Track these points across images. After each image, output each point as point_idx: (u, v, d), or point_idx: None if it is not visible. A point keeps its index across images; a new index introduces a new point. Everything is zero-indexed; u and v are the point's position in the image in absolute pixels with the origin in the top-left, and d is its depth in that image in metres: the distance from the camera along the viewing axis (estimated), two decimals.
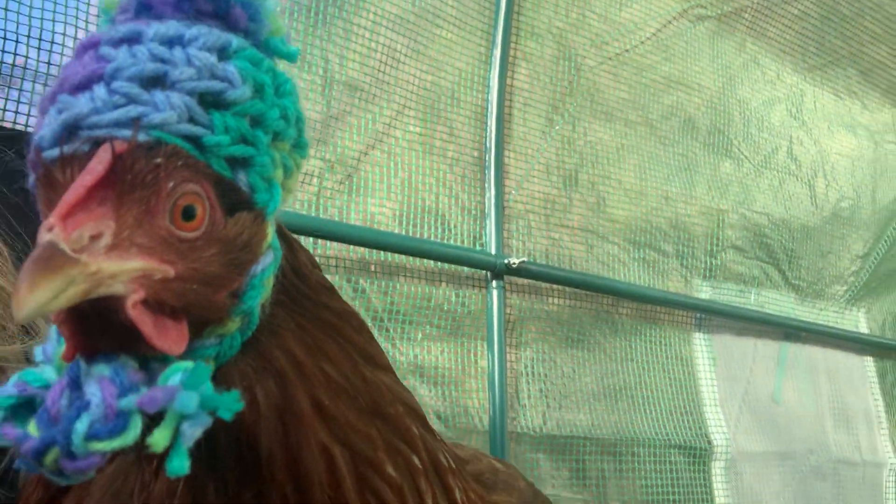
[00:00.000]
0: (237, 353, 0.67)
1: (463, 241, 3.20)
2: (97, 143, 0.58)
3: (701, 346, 3.95)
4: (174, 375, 0.58)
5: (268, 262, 0.67)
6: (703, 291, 4.00)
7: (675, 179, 3.97)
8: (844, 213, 4.72)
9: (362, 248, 2.88)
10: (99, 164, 0.56)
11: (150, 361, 0.61)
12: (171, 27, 0.62)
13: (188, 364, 0.59)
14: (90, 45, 0.62)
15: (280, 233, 0.75)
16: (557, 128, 3.60)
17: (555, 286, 3.44)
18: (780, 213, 4.36)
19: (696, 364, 3.90)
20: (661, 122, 3.96)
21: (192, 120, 0.61)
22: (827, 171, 4.66)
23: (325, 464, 0.66)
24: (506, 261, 3.15)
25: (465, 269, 3.17)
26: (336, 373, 0.70)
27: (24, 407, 0.60)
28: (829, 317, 4.56)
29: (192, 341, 0.62)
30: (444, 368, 3.08)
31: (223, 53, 0.64)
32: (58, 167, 0.58)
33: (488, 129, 3.35)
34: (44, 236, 0.54)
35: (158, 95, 0.59)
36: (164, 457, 0.56)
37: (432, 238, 3.12)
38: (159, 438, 0.55)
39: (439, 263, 3.11)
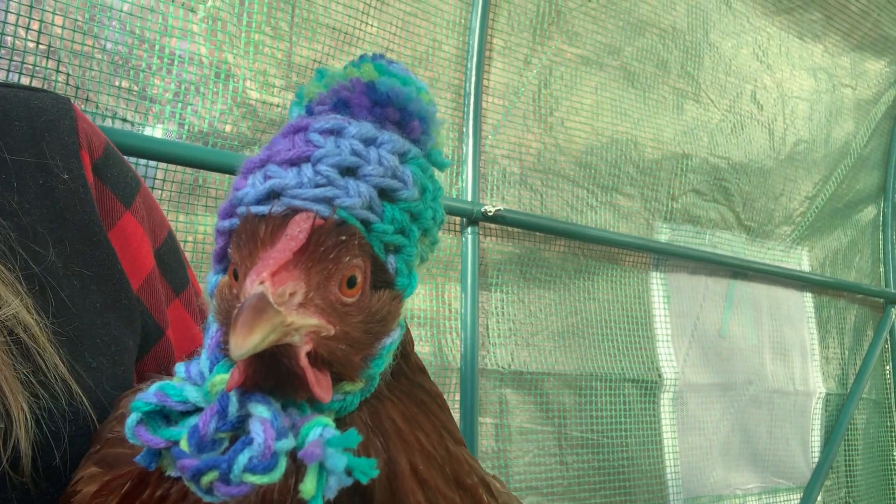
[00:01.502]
0: (354, 412, 0.75)
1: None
2: (293, 211, 0.68)
3: (657, 284, 4.14)
4: (316, 428, 0.66)
5: (396, 337, 0.76)
6: (663, 233, 4.16)
7: (645, 124, 4.05)
8: (799, 157, 4.90)
9: None
10: (300, 232, 0.66)
11: (290, 406, 0.70)
12: (369, 129, 0.73)
13: (327, 420, 0.68)
14: (301, 129, 0.73)
15: None
16: (535, 72, 3.61)
17: (526, 231, 3.55)
18: (739, 156, 4.51)
19: (652, 302, 4.11)
20: (636, 65, 4.00)
21: (370, 208, 0.71)
22: (787, 114, 4.80)
23: None
24: (483, 208, 3.22)
25: None
26: (427, 442, 0.79)
27: (158, 415, 0.69)
28: (775, 256, 4.80)
29: None
30: (420, 310, 3.19)
31: (403, 157, 0.74)
32: (260, 222, 0.68)
33: (468, 74, 3.35)
34: (256, 287, 0.63)
35: (351, 183, 0.70)
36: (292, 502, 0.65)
37: None
38: (309, 488, 0.63)
39: None
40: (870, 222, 5.57)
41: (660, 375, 4.03)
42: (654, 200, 4.10)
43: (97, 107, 2.43)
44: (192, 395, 0.70)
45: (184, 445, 0.66)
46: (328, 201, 0.68)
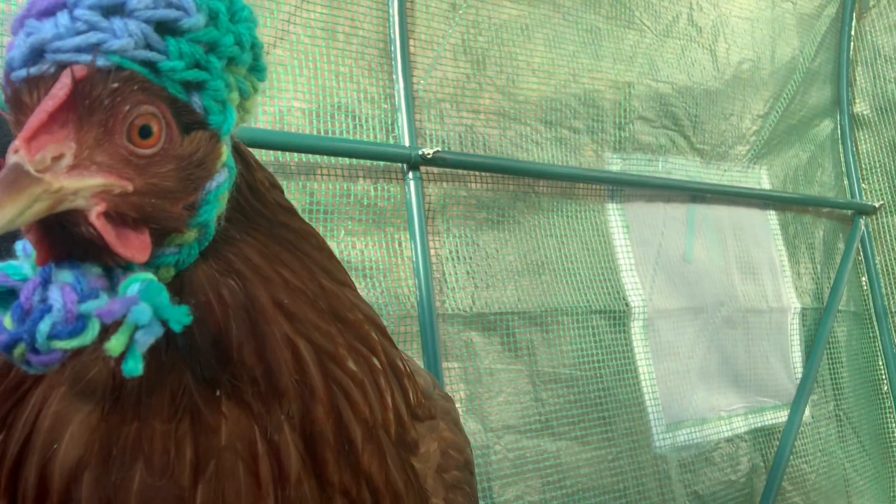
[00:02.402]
0: (198, 260, 0.73)
1: (376, 136, 3.22)
2: (61, 67, 0.62)
3: (615, 215, 4.13)
4: (133, 285, 0.64)
5: (222, 179, 0.72)
6: (614, 163, 4.14)
7: (581, 55, 4.02)
8: (745, 76, 4.88)
9: (275, 151, 2.88)
10: (60, 89, 0.61)
11: (114, 269, 0.67)
12: None
13: (147, 276, 0.66)
14: None
15: (237, 151, 0.80)
16: (461, 11, 3.57)
17: (471, 172, 3.52)
18: (683, 80, 4.49)
19: (611, 233, 4.09)
20: None
21: (148, 46, 0.65)
22: (727, 34, 4.78)
23: (290, 353, 0.74)
24: (420, 152, 3.20)
25: (382, 162, 3.21)
26: (293, 277, 0.77)
27: (9, 295, 0.66)
28: (732, 177, 4.79)
29: (153, 249, 0.68)
30: (371, 261, 3.16)
31: None
32: (25, 88, 0.63)
33: (391, 18, 3.31)
34: (10, 158, 0.59)
35: (117, 23, 0.63)
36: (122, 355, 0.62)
37: (345, 134, 3.13)
38: (115, 345, 0.61)
39: (355, 160, 3.13)
40: (828, 136, 5.56)
41: (627, 304, 4.02)
42: (601, 132, 4.08)
43: None
44: (29, 270, 0.68)
45: (7, 322, 0.63)
46: (94, 48, 0.63)
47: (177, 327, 0.64)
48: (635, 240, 4.14)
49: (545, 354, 3.67)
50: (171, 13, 0.66)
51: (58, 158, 0.61)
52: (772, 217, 5.04)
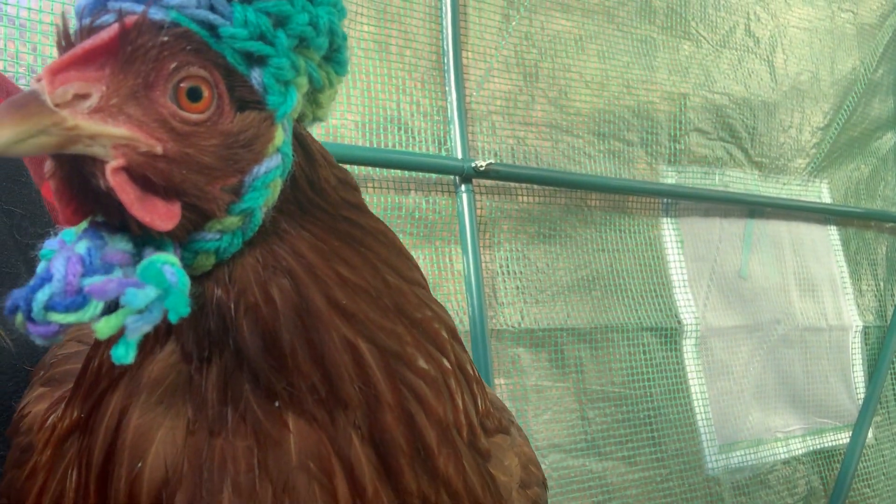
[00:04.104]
0: (244, 251, 0.68)
1: (428, 147, 3.20)
2: (121, 16, 0.60)
3: (669, 229, 4.04)
4: (155, 264, 0.60)
5: (272, 166, 0.67)
6: (669, 176, 4.06)
7: (635, 66, 3.95)
8: (804, 87, 4.75)
9: None
10: (106, 32, 0.59)
11: (145, 246, 0.63)
12: None
13: (168, 258, 0.61)
14: None
15: (302, 143, 0.75)
16: (514, 23, 3.54)
17: (523, 184, 3.48)
18: (740, 91, 4.38)
19: (665, 248, 4.00)
20: (619, 7, 3.91)
21: (211, 8, 0.62)
22: (785, 45, 4.65)
23: (350, 357, 0.69)
24: (472, 164, 3.17)
25: (433, 175, 3.19)
26: (352, 274, 0.72)
27: None
28: (792, 190, 4.65)
29: (192, 233, 0.65)
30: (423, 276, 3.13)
31: None
32: (84, 36, 0.60)
33: (444, 31, 3.29)
34: (32, 85, 0.56)
35: None
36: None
37: (397, 147, 3.12)
38: (103, 327, 0.57)
39: (407, 172, 3.12)
40: (891, 149, 5.37)
41: (679, 322, 3.92)
42: (656, 144, 3.99)
43: None
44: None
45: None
46: (154, 1, 0.60)
47: (172, 318, 0.59)
48: (689, 255, 4.04)
49: (594, 372, 3.60)
50: None
51: (82, 97, 0.58)
52: (832, 232, 4.88)
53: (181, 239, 0.65)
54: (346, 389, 0.69)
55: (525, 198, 3.50)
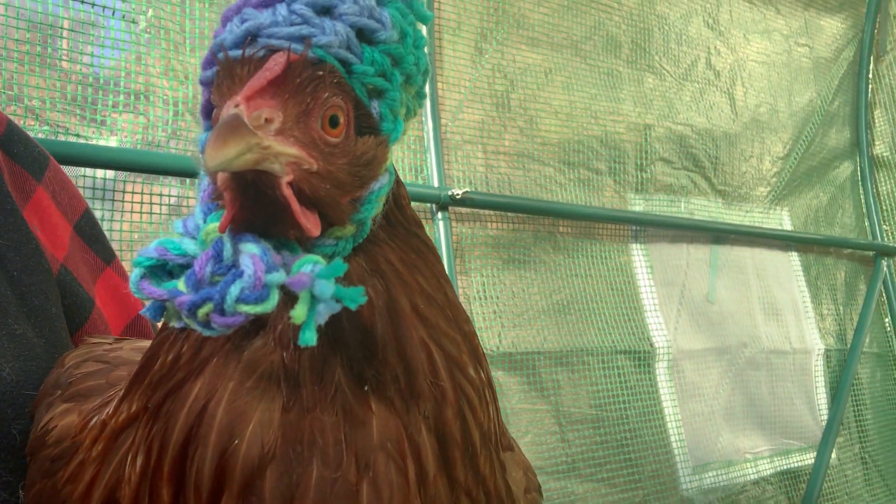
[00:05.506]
0: (350, 255, 0.78)
1: (405, 176, 3.27)
2: (271, 52, 0.70)
3: (638, 255, 4.15)
4: (307, 265, 0.69)
5: (384, 182, 0.78)
6: (637, 204, 4.18)
7: (601, 98, 4.09)
8: (763, 118, 4.94)
9: None
10: (276, 65, 0.69)
11: (283, 248, 0.73)
12: None
13: (318, 258, 0.70)
14: None
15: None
16: (487, 56, 3.66)
17: (495, 212, 3.56)
18: (702, 122, 4.55)
19: (635, 273, 4.11)
20: (585, 42, 4.05)
21: (348, 48, 0.73)
22: (745, 78, 4.85)
23: (425, 355, 0.78)
24: (449, 192, 3.25)
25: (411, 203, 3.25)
26: (427, 285, 0.82)
27: (159, 269, 0.73)
28: (754, 218, 4.81)
29: (315, 238, 0.74)
30: None
31: (380, 0, 0.76)
32: (238, 64, 0.70)
33: None
34: (230, 110, 0.66)
35: (327, 22, 0.72)
36: (296, 339, 0.67)
37: None
38: (300, 313, 0.66)
39: None
40: (848, 178, 5.59)
41: (651, 345, 4.01)
42: (623, 172, 4.12)
43: (48, 124, 2.46)
44: (190, 247, 0.73)
45: (182, 287, 0.70)
46: (304, 39, 0.70)
47: (352, 305, 0.68)
48: (659, 280, 4.15)
49: (570, 395, 3.66)
50: (372, 24, 0.74)
51: (269, 121, 0.67)
52: (794, 258, 5.05)
53: (307, 244, 0.74)
54: (421, 383, 0.77)
55: (499, 225, 3.59)
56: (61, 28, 2.51)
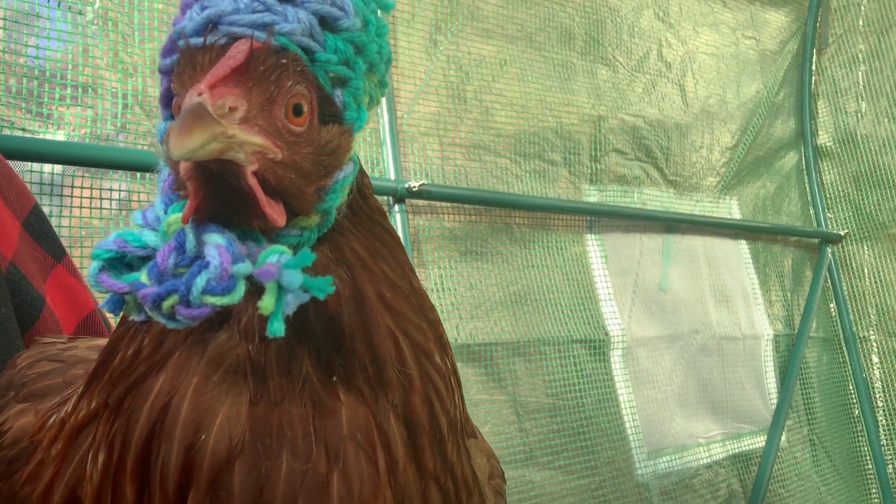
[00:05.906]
0: (314, 245, 0.77)
1: None
2: (233, 39, 0.69)
3: (593, 246, 4.20)
4: (273, 255, 0.68)
5: (348, 172, 0.78)
6: (591, 195, 4.23)
7: (555, 89, 4.12)
8: (713, 109, 5.03)
9: None
10: (239, 53, 0.68)
11: (247, 239, 0.72)
12: None
13: (284, 248, 0.70)
14: None
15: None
16: (441, 47, 3.65)
17: (450, 203, 3.57)
18: (654, 113, 4.61)
19: (590, 263, 4.16)
20: (538, 33, 4.08)
21: (311, 36, 0.72)
22: (695, 70, 4.93)
23: (392, 344, 0.78)
24: (406, 185, 3.24)
25: None
26: (392, 273, 0.82)
27: (118, 262, 0.71)
28: (704, 207, 4.91)
29: (280, 228, 0.73)
30: None
31: None
32: (199, 52, 0.69)
33: None
34: (193, 98, 0.64)
35: (289, 10, 0.71)
36: (262, 332, 0.67)
37: None
38: (268, 304, 0.66)
39: None
40: (793, 167, 5.73)
41: (606, 333, 4.07)
42: (578, 164, 4.16)
43: None
44: (151, 238, 0.72)
45: (144, 279, 0.68)
46: (266, 27, 0.69)
47: (320, 295, 0.68)
48: (613, 270, 4.21)
49: (527, 385, 3.70)
50: (335, 11, 0.73)
51: (233, 110, 0.66)
52: (743, 246, 5.16)
53: (271, 235, 0.73)
54: (388, 372, 0.77)
55: (456, 216, 3.59)
56: (2, 19, 2.43)
